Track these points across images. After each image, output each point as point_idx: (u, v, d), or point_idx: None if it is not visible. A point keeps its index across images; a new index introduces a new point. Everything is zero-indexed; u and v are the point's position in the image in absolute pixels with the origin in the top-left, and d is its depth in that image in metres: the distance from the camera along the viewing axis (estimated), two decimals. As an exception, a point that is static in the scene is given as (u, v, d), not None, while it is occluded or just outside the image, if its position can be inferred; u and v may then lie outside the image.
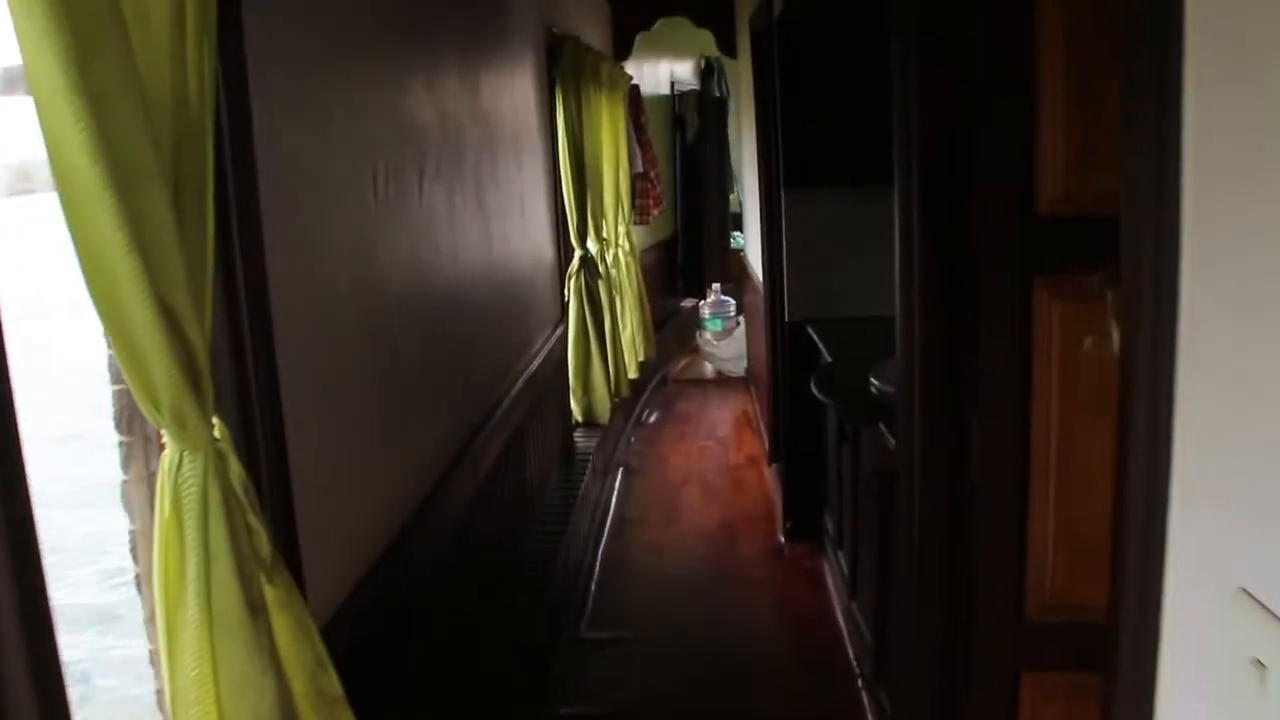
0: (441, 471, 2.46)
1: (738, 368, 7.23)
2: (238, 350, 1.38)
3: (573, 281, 4.60)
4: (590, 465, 4.38)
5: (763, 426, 5.71)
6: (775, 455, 5.05)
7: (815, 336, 3.74)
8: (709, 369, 7.54)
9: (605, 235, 5.32)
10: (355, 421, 1.86)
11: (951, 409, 1.68)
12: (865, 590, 3.14)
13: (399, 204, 2.11)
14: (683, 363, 7.77)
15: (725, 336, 8.01)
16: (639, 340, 5.97)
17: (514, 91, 3.48)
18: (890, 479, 2.63)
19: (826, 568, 3.91)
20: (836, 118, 3.81)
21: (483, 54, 3.03)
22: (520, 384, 3.38)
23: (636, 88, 6.51)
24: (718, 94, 8.79)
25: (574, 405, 4.76)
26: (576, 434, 4.69)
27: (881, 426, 2.51)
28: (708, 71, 8.72)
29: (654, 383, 6.87)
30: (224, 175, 1.30)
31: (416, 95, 2.29)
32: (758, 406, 6.13)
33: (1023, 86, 1.51)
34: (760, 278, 5.35)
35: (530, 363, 3.62)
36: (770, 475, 5.04)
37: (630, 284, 5.81)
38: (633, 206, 6.62)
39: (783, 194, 3.95)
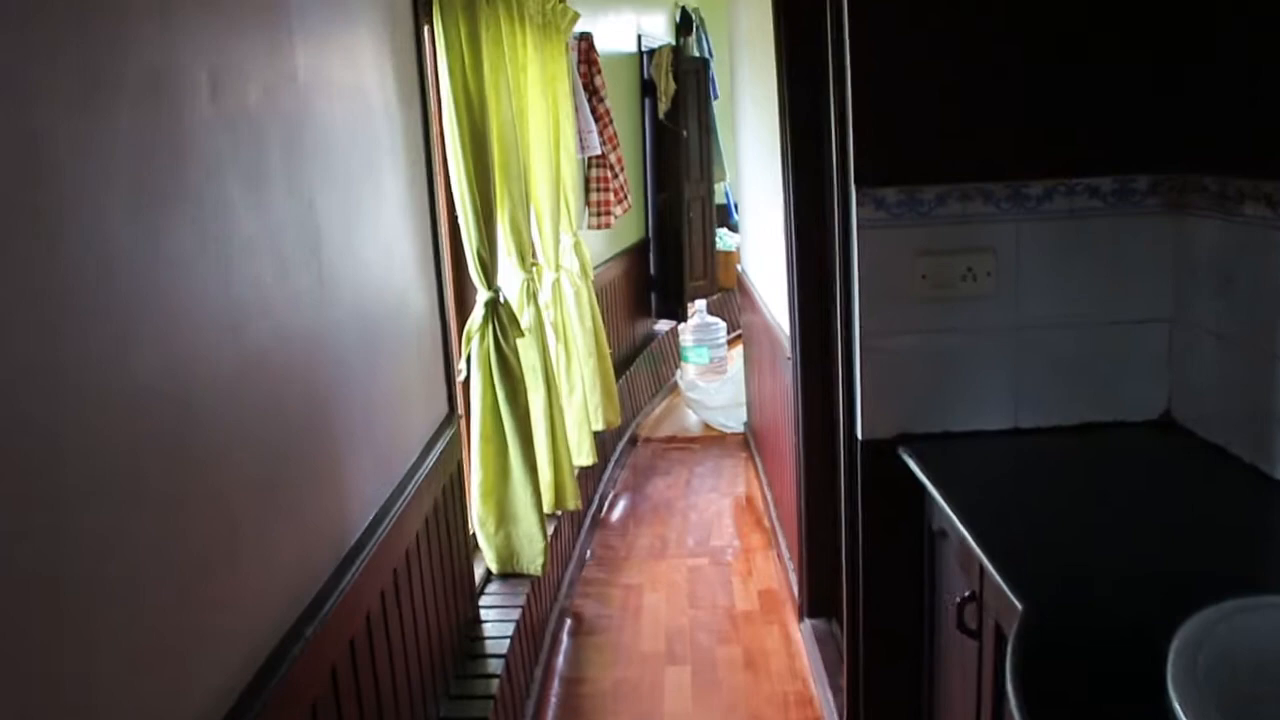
0: None
1: (734, 420, 5.34)
2: None
3: (475, 345, 2.72)
4: (503, 676, 2.50)
5: (780, 531, 3.84)
6: (810, 608, 3.20)
7: (930, 485, 1.86)
8: (693, 419, 5.65)
9: (537, 258, 3.43)
10: None
11: None
12: None
13: None
14: (658, 410, 5.88)
15: (715, 375, 6.11)
16: (595, 405, 4.08)
17: (303, 12, 1.57)
18: None
19: None
20: (977, 52, 1.93)
21: None
22: (350, 563, 1.51)
23: (588, 36, 4.59)
24: (698, 53, 6.89)
25: (484, 547, 2.88)
26: (486, 598, 2.81)
27: None
28: (684, 24, 6.82)
29: (619, 448, 4.98)
30: None
31: None
32: (768, 490, 4.27)
33: None
34: (772, 319, 3.48)
35: (387, 513, 1.75)
36: (803, 641, 3.18)
37: (582, 322, 3.93)
38: (586, 204, 4.73)
39: (853, 199, 2.04)
